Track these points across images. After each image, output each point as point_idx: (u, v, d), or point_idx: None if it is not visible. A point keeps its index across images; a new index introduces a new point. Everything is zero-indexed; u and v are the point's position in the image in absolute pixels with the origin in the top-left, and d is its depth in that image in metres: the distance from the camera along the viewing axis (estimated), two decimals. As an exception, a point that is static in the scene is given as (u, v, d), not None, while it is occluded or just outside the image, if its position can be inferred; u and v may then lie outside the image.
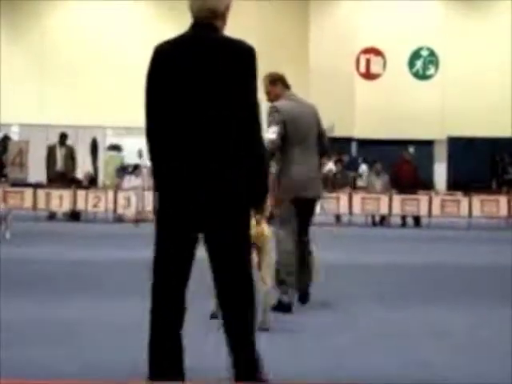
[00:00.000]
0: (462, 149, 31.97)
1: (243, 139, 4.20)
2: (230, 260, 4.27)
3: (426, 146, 32.51)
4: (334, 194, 22.25)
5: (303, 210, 7.65)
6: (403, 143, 31.07)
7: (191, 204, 4.20)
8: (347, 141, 32.32)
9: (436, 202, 22.58)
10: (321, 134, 7.82)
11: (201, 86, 4.13)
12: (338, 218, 23.43)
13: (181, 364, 4.35)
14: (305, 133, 7.58)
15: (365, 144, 32.14)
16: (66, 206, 21.48)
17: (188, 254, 4.31)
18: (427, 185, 30.30)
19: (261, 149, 4.31)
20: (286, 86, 7.68)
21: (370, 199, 22.60)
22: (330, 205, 21.58)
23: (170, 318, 4.29)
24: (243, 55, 4.16)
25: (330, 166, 23.96)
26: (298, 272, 7.56)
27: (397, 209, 22.40)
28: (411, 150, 32.47)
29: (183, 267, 4.31)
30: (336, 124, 31.74)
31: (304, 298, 7.78)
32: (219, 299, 4.38)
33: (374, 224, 22.95)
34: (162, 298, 4.28)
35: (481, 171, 31.30)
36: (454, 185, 31.12)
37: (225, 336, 4.35)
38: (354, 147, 32.83)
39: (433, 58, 33.11)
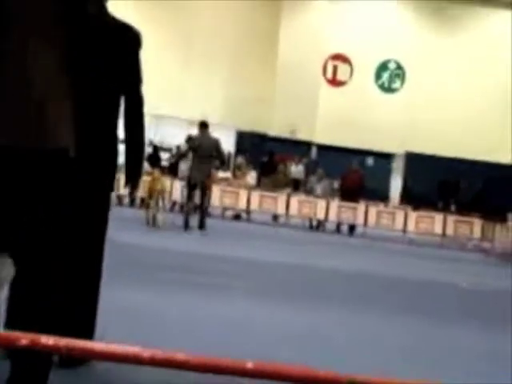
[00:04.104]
0: (418, 165, 32.01)
1: None
2: None
3: (384, 158, 32.61)
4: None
5: None
6: (362, 153, 31.24)
7: None
8: (308, 145, 32.42)
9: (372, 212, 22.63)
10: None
11: None
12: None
13: None
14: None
15: (325, 149, 32.16)
16: None
17: None
18: (382, 196, 30.36)
19: None
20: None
21: (307, 203, 22.66)
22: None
23: None
24: None
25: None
26: None
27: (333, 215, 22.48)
28: (370, 161, 32.64)
29: None
30: (298, 127, 31.94)
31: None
32: None
33: (311, 227, 23.05)
34: None
35: (431, 189, 31.27)
36: (406, 199, 31.24)
37: None
38: (314, 152, 32.85)
39: (399, 72, 33.19)
